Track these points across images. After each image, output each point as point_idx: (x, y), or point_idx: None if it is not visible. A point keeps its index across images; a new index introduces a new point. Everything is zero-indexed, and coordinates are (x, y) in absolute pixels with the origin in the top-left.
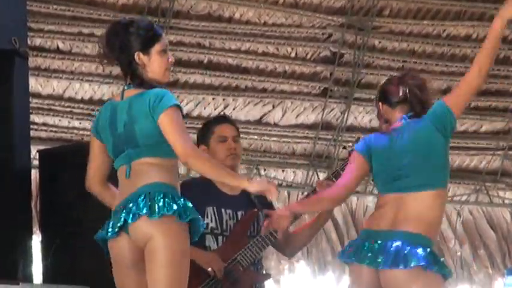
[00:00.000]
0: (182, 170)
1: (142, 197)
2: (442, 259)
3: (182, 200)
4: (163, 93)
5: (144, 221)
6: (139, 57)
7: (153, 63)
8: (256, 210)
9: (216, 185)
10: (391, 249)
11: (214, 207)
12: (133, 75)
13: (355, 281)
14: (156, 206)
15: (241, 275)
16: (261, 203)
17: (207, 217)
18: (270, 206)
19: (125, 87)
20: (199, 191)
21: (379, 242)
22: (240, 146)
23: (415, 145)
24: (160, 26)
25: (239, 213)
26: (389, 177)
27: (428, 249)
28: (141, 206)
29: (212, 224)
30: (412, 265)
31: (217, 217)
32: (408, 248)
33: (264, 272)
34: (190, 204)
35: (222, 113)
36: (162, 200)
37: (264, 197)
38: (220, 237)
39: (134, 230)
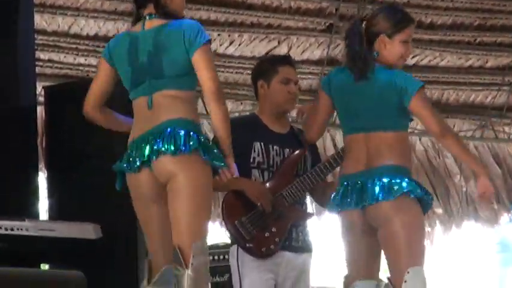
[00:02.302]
0: None
1: (167, 133)
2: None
3: (203, 137)
4: (198, 27)
5: (168, 158)
6: None
7: None
8: (304, 149)
9: (265, 123)
10: (373, 185)
11: (262, 143)
12: (157, 5)
13: (348, 227)
14: (181, 143)
15: (285, 210)
16: (307, 145)
17: (254, 151)
18: (315, 149)
19: (147, 17)
20: (247, 127)
21: (360, 182)
22: (298, 91)
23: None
24: None
25: (286, 151)
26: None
27: (407, 178)
28: (165, 143)
29: (259, 159)
30: (397, 195)
31: (264, 152)
32: (389, 179)
33: (308, 211)
34: (212, 146)
35: (227, 48)
36: (185, 136)
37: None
38: (266, 172)
39: (157, 166)
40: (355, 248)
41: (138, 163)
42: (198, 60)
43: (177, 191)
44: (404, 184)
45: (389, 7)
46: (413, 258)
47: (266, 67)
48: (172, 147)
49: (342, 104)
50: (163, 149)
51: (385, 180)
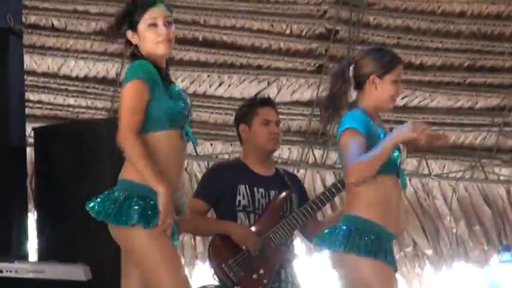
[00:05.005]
0: None
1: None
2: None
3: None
4: (130, 68)
5: None
6: (131, 35)
7: (143, 39)
8: (289, 191)
9: (249, 166)
10: None
11: (247, 186)
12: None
13: None
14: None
15: (272, 253)
16: (293, 186)
17: (239, 195)
18: (302, 189)
19: None
20: (231, 171)
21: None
22: (280, 131)
23: None
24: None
25: (271, 193)
26: None
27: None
28: None
29: (244, 202)
30: None
31: (249, 195)
32: None
33: (294, 252)
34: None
35: (217, 90)
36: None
37: (297, 180)
38: (252, 215)
39: None
40: None
41: None
42: None
43: None
44: None
45: (376, 48)
46: None
47: (246, 110)
48: None
49: None
50: None
51: None
